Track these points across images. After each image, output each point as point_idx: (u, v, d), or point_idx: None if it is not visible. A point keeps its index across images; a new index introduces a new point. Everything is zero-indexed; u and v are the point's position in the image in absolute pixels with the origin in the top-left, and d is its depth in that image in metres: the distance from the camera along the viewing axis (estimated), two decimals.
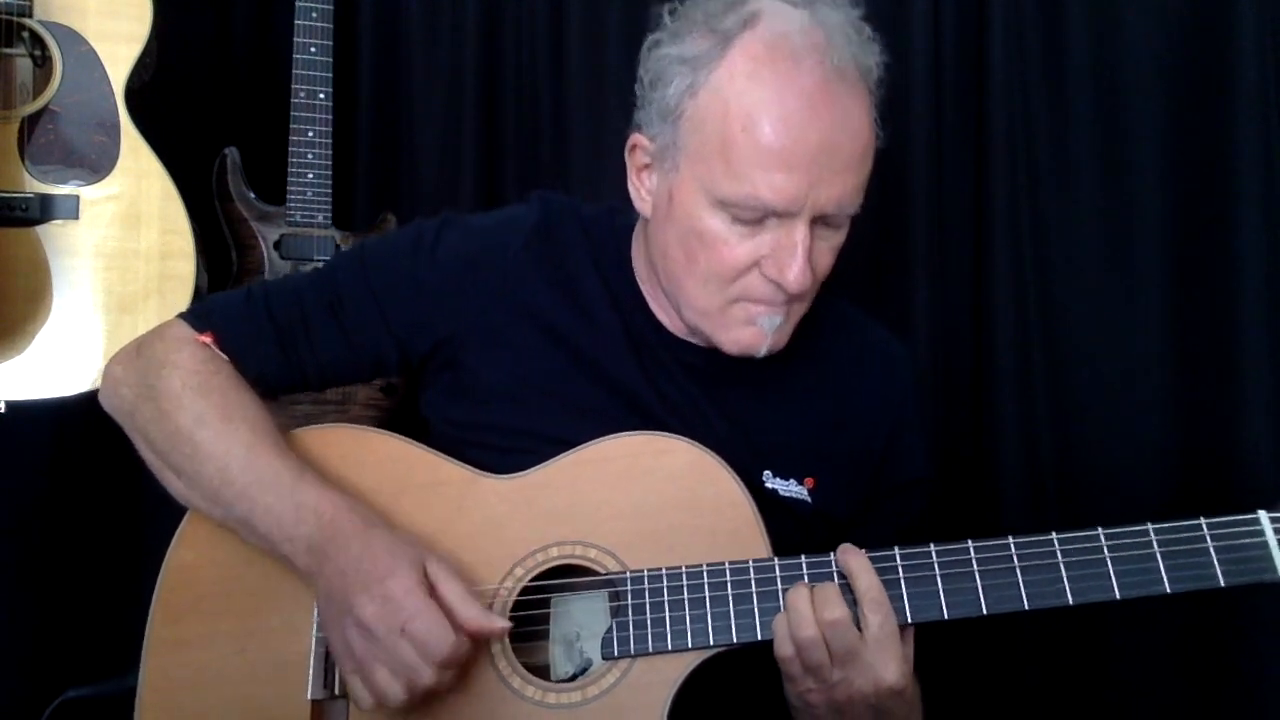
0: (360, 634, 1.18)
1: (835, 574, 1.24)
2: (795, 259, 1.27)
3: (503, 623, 1.23)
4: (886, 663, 1.19)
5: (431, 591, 1.20)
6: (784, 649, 1.22)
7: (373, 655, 1.18)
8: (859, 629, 1.19)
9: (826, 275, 1.36)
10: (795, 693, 1.25)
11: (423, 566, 1.22)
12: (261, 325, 1.43)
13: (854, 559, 1.22)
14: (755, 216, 1.27)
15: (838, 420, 1.47)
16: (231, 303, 1.47)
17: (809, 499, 1.42)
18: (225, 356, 1.40)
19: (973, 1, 2.20)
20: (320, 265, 1.55)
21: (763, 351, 1.36)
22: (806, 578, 1.24)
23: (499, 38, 2.35)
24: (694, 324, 1.38)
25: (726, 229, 1.29)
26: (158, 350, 1.40)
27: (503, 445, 1.39)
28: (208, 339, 1.40)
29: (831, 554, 1.25)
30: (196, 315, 1.45)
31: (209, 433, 1.32)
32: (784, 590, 1.24)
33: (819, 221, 1.29)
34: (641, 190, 1.40)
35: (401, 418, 2.10)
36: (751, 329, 1.34)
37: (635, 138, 1.39)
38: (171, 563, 1.36)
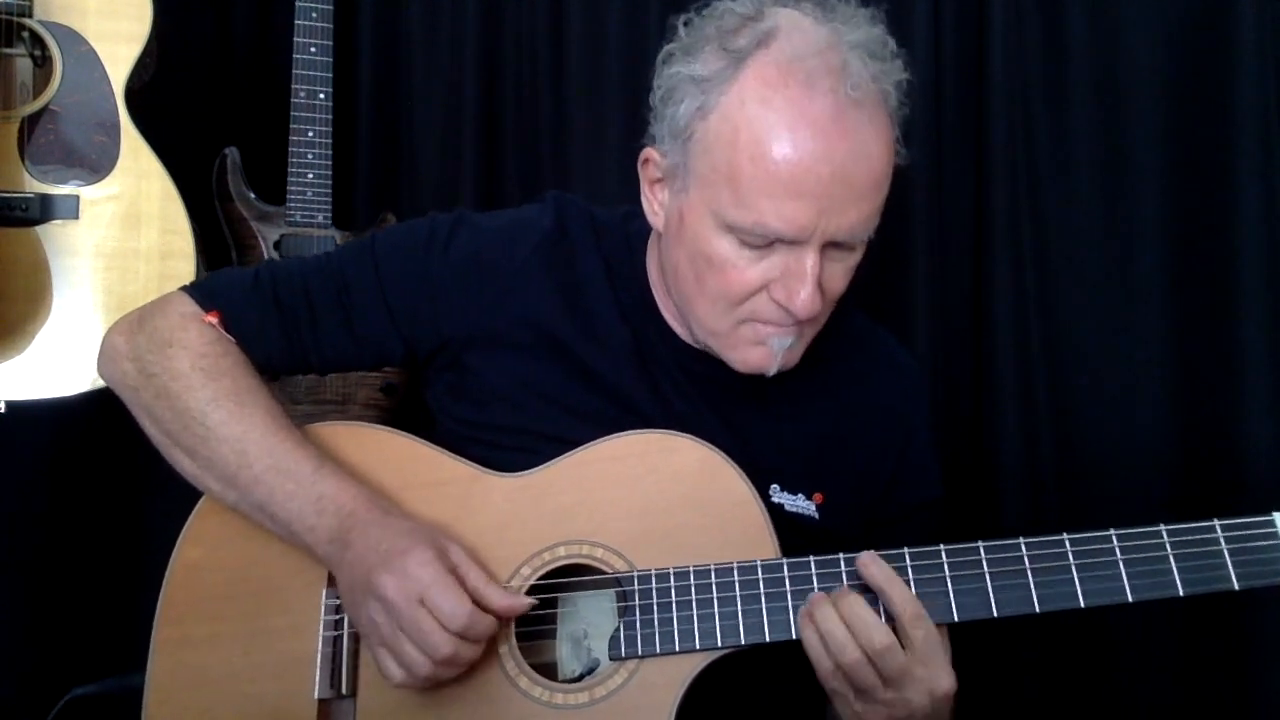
0: (382, 609, 1.19)
1: (844, 574, 1.24)
2: (805, 286, 1.25)
3: (527, 599, 1.25)
4: (938, 673, 1.18)
5: (452, 573, 1.21)
6: (824, 665, 1.20)
7: (393, 628, 1.19)
8: (903, 646, 1.18)
9: (840, 296, 1.34)
10: (848, 714, 1.23)
11: (439, 546, 1.23)
12: (267, 311, 1.42)
13: (877, 570, 1.21)
14: (764, 242, 1.25)
15: (847, 436, 1.46)
16: (239, 284, 1.45)
17: (816, 515, 1.41)
18: (231, 338, 1.39)
19: (973, 3, 2.20)
20: (330, 252, 1.53)
21: (772, 371, 1.34)
22: (815, 578, 1.24)
23: (499, 38, 2.35)
24: (705, 342, 1.38)
25: (735, 252, 1.27)
26: (162, 327, 1.39)
27: (507, 444, 1.38)
28: (213, 319, 1.39)
29: (840, 555, 1.25)
30: (202, 292, 1.44)
31: (223, 415, 1.32)
32: (795, 605, 1.24)
33: (831, 245, 1.26)
34: (654, 204, 1.38)
35: (401, 418, 2.10)
36: (761, 349, 1.33)
37: (647, 152, 1.37)
38: (178, 562, 1.36)
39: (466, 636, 1.19)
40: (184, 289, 1.45)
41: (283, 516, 1.29)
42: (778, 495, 1.39)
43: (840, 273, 1.31)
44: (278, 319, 1.42)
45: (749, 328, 1.32)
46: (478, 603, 1.20)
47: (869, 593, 1.22)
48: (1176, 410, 2.13)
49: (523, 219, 1.49)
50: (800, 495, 1.40)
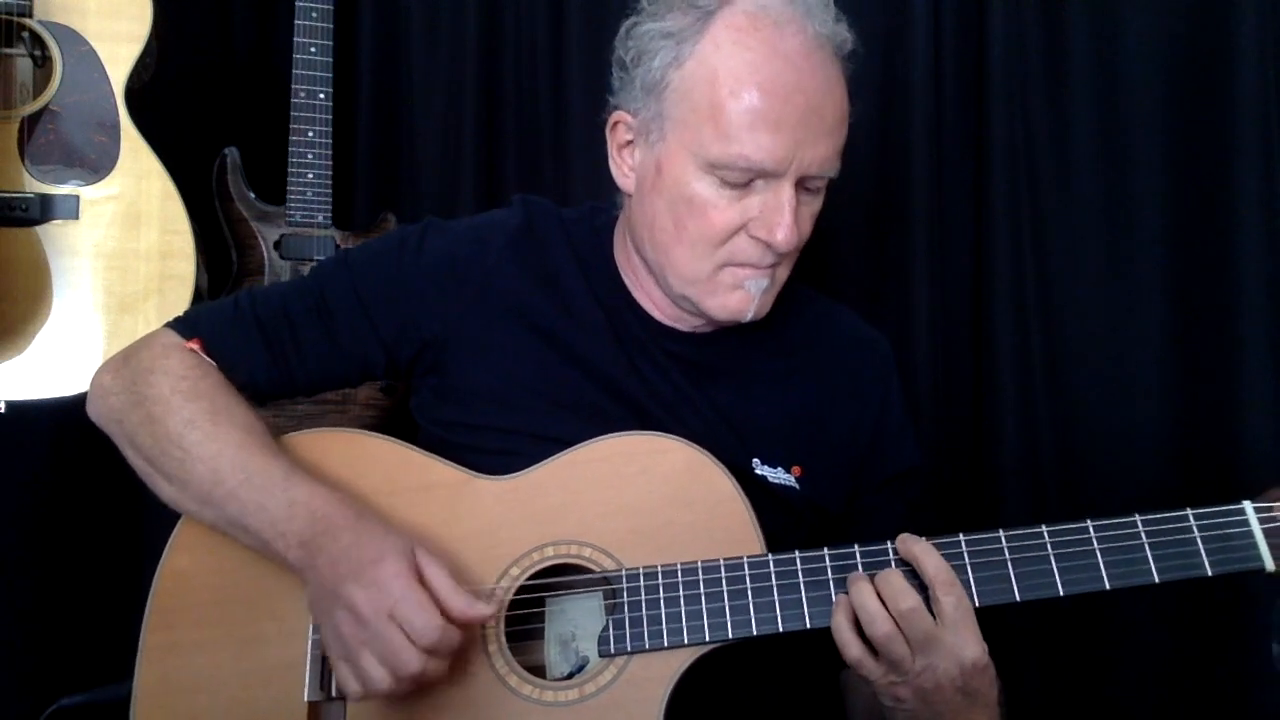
0: (349, 619, 1.18)
1: (828, 568, 1.25)
2: (784, 218, 1.32)
3: (487, 608, 1.22)
4: (966, 641, 1.19)
5: (420, 580, 1.20)
6: (852, 651, 1.21)
7: (360, 641, 1.18)
8: (931, 614, 1.19)
9: (805, 242, 1.40)
10: (880, 690, 1.24)
11: (411, 554, 1.22)
12: (249, 332, 1.44)
13: (916, 545, 1.23)
14: (743, 179, 1.32)
15: (822, 410, 1.49)
16: (218, 311, 1.48)
17: (797, 486, 1.43)
18: (213, 363, 1.40)
19: (973, 2, 2.19)
20: (305, 274, 1.55)
21: (749, 316, 1.39)
22: (800, 573, 1.25)
23: (499, 38, 2.34)
24: (681, 293, 1.41)
25: (715, 193, 1.34)
26: (145, 358, 1.40)
27: (492, 446, 1.39)
28: (195, 345, 1.41)
29: (825, 550, 1.25)
30: (183, 323, 1.46)
31: (199, 435, 1.32)
32: (781, 599, 1.25)
33: (800, 186, 1.33)
34: (624, 167, 1.44)
35: (401, 417, 2.09)
36: (739, 293, 1.38)
37: (617, 115, 1.43)
38: (165, 568, 1.36)
39: (435, 653, 1.18)
40: (167, 324, 1.47)
41: (254, 527, 1.28)
42: (760, 468, 1.42)
43: (808, 217, 1.38)
44: (260, 340, 1.44)
45: (728, 272, 1.37)
46: (441, 607, 1.19)
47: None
48: (1176, 408, 2.12)
49: (492, 220, 1.54)
50: (780, 468, 1.43)
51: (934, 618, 1.19)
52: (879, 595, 1.20)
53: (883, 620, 1.19)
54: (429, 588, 1.20)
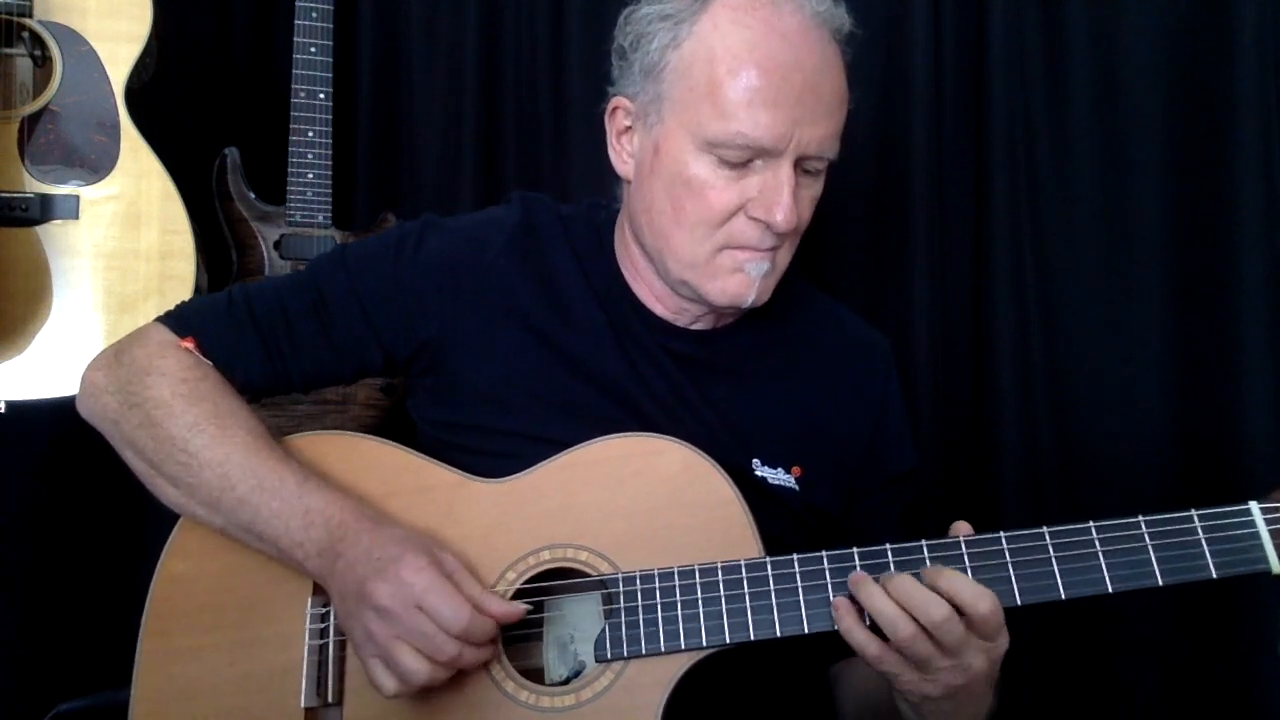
0: (379, 617, 1.18)
1: (826, 570, 1.23)
2: (782, 198, 1.31)
3: (522, 606, 1.23)
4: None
5: (448, 579, 1.20)
6: (872, 649, 1.19)
7: (393, 635, 1.17)
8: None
9: (805, 227, 1.39)
10: (906, 689, 1.21)
11: (432, 552, 1.22)
12: (244, 330, 1.42)
13: (941, 577, 1.17)
14: (742, 158, 1.31)
15: (821, 411, 1.48)
16: (212, 307, 1.46)
17: (797, 488, 1.43)
18: (209, 362, 1.39)
19: (973, 2, 2.19)
20: (301, 269, 1.54)
21: (749, 301, 1.38)
22: (798, 576, 1.24)
23: (499, 37, 2.35)
24: (681, 278, 1.39)
25: (713, 173, 1.33)
26: (139, 357, 1.38)
27: (489, 447, 1.39)
28: (190, 344, 1.39)
29: (823, 553, 1.24)
30: (177, 319, 1.44)
31: (205, 439, 1.31)
32: (779, 603, 1.23)
33: (799, 169, 1.33)
34: (623, 153, 1.44)
35: (401, 417, 2.09)
36: (739, 276, 1.37)
37: (616, 100, 1.43)
38: (162, 574, 1.36)
39: (469, 639, 1.18)
40: (158, 319, 1.45)
41: (270, 534, 1.28)
42: (760, 469, 1.42)
43: (807, 200, 1.37)
44: (255, 338, 1.42)
45: (727, 255, 1.37)
46: (476, 608, 1.19)
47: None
48: (1176, 409, 2.12)
49: (490, 218, 1.52)
50: (780, 469, 1.43)
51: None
52: (898, 601, 1.17)
53: (904, 623, 1.16)
54: (453, 582, 1.20)
